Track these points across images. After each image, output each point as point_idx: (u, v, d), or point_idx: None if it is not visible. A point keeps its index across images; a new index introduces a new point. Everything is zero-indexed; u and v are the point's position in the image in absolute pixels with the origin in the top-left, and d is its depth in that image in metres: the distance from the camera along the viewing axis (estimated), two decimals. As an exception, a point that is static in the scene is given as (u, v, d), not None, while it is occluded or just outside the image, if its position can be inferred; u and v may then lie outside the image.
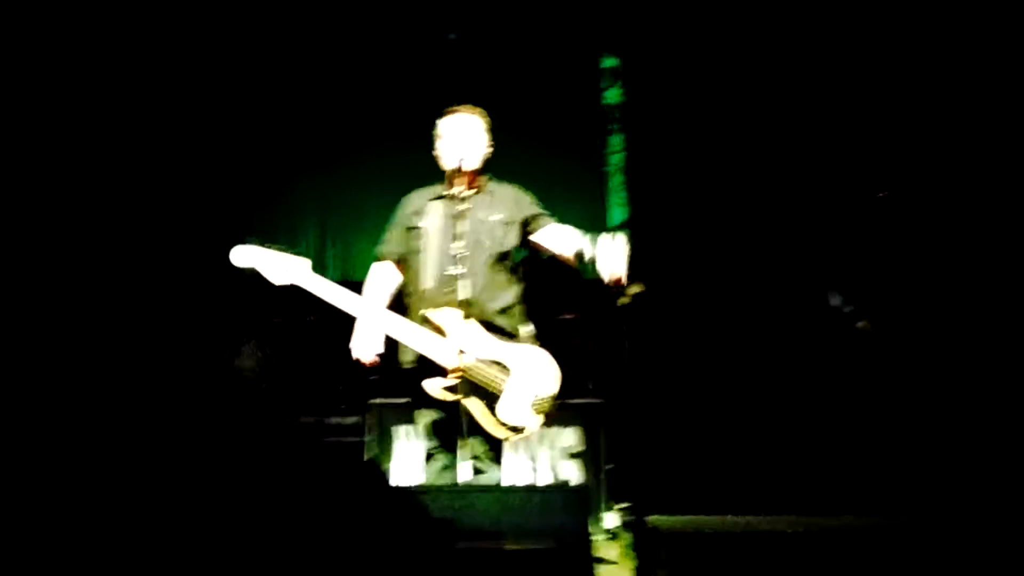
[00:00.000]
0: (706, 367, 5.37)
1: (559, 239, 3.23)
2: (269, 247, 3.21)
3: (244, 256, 3.16)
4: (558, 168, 6.04)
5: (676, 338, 5.45)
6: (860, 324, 5.12)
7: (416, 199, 3.43)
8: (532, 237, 3.32)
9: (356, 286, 3.46)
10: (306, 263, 3.18)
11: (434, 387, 3.07)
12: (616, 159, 6.23)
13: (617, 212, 6.18)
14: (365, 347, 3.19)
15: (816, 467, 4.65)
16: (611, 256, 2.95)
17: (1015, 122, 5.14)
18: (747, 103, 5.89)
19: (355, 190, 6.22)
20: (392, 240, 3.42)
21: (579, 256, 3.12)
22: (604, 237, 3.00)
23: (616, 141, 6.24)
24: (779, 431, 4.93)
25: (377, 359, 3.20)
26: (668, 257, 5.94)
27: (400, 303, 3.41)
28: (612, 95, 6.27)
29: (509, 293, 3.25)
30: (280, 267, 3.14)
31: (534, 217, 3.33)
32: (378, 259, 3.45)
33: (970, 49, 5.31)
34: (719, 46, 5.97)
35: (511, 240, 3.27)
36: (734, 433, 4.98)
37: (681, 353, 5.42)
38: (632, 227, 6.10)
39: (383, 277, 3.40)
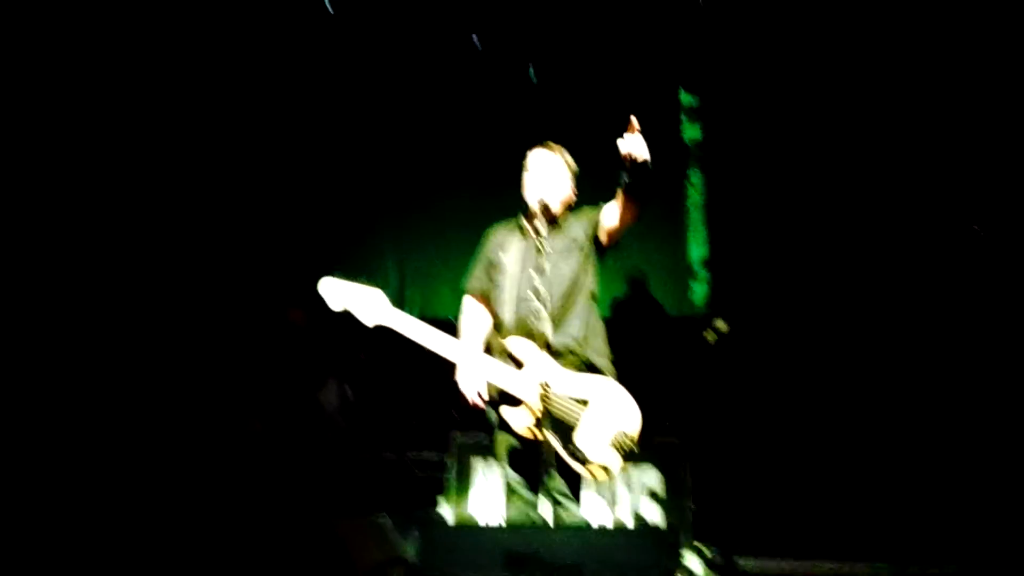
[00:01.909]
0: (789, 406, 5.25)
1: (610, 207, 3.20)
2: (353, 280, 3.27)
3: (332, 289, 3.22)
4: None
5: (759, 376, 5.35)
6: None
7: (500, 233, 3.46)
8: (602, 233, 3.28)
9: (436, 323, 3.50)
10: (381, 295, 3.22)
11: (515, 418, 3.06)
12: (695, 196, 6.20)
13: (696, 250, 6.14)
14: (472, 387, 3.19)
15: (907, 512, 4.49)
16: (631, 142, 2.94)
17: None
18: (825, 137, 5.81)
19: (433, 229, 6.32)
20: (478, 274, 3.45)
21: (625, 187, 3.10)
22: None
23: (695, 178, 6.21)
24: (867, 473, 4.78)
25: (484, 399, 3.19)
26: (749, 294, 5.86)
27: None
28: (691, 132, 6.26)
29: (588, 327, 3.23)
30: (367, 304, 3.19)
31: (595, 219, 3.29)
32: (466, 293, 3.48)
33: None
34: (796, 83, 5.92)
35: (589, 263, 3.26)
36: (819, 474, 4.84)
37: (764, 391, 5.31)
38: (712, 265, 6.05)
39: (475, 314, 3.42)
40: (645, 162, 2.96)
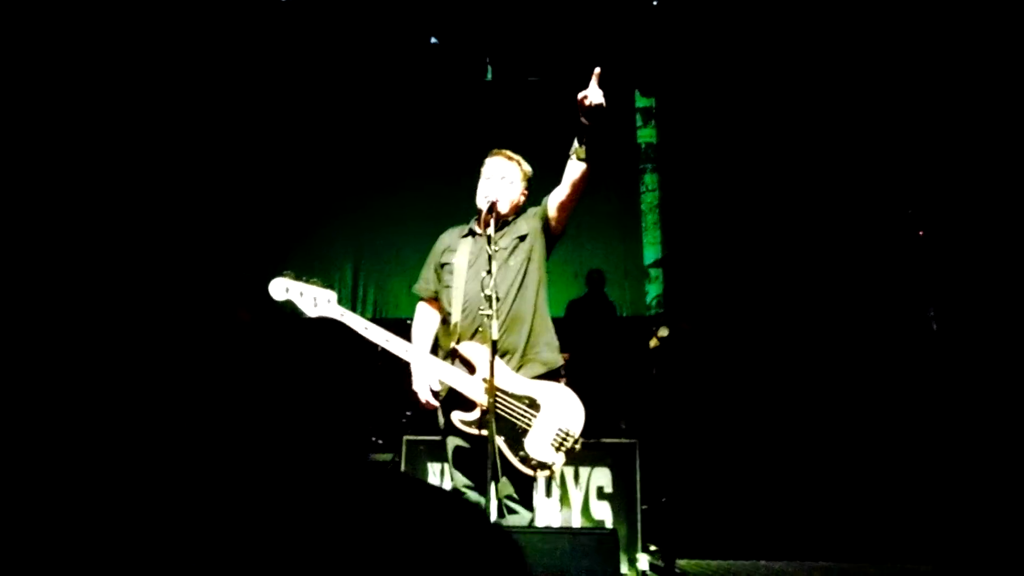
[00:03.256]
0: (740, 407, 5.32)
1: (559, 187, 3.22)
2: (303, 280, 3.27)
3: (280, 288, 3.22)
4: (593, 207, 6.07)
5: (710, 377, 5.41)
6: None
7: (448, 236, 3.47)
8: (551, 217, 3.29)
9: (389, 323, 3.49)
10: (332, 294, 3.22)
11: (461, 418, 3.08)
12: (650, 198, 6.25)
13: (651, 250, 6.19)
14: (423, 388, 3.20)
15: (852, 512, 4.57)
16: (591, 89, 2.99)
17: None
18: (779, 141, 5.90)
19: (388, 229, 6.29)
20: (427, 277, 3.46)
21: (578, 142, 3.15)
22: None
23: (650, 180, 6.27)
24: (815, 474, 4.86)
25: (436, 400, 3.20)
26: (701, 295, 5.93)
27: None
28: (646, 135, 6.31)
29: (537, 328, 3.25)
30: (312, 299, 3.19)
31: (542, 210, 3.31)
32: (417, 296, 3.49)
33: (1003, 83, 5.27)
34: (750, 85, 6.00)
35: (536, 256, 3.28)
36: (768, 475, 4.91)
37: (715, 392, 5.38)
38: (666, 265, 6.10)
39: (426, 316, 3.44)
40: (600, 107, 3.01)
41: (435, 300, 3.43)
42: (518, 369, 3.17)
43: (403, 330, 3.44)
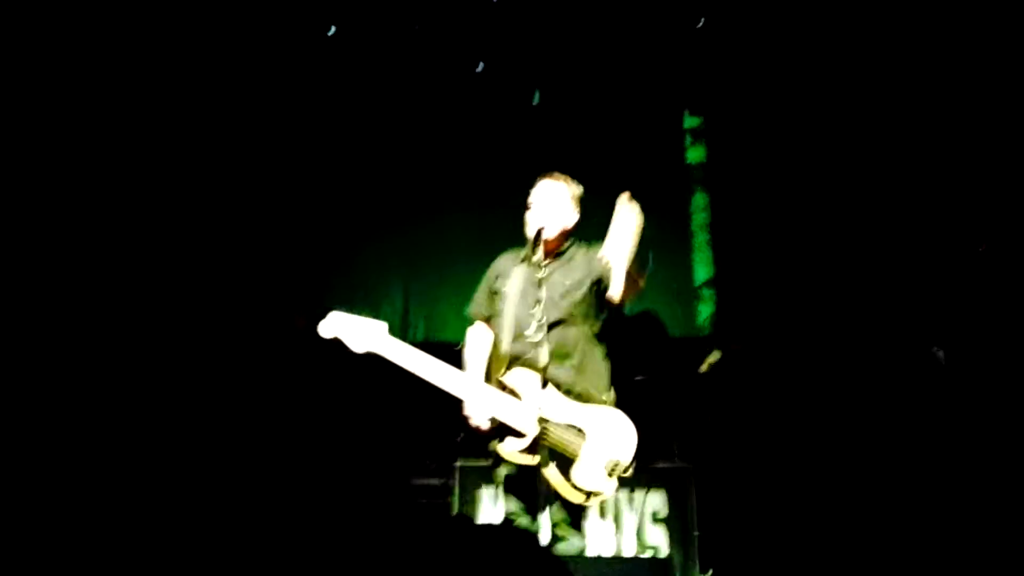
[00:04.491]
0: (797, 430, 5.20)
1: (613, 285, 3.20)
2: (351, 312, 3.29)
3: (330, 327, 3.24)
4: (643, 227, 6.03)
5: (765, 400, 5.30)
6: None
7: (503, 261, 3.48)
8: (608, 294, 3.28)
9: (439, 347, 3.49)
10: (383, 326, 3.23)
11: (510, 449, 3.07)
12: (700, 218, 6.18)
13: (701, 271, 6.11)
14: (477, 415, 3.19)
15: (913, 541, 4.43)
16: (622, 225, 2.96)
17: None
18: (831, 158, 5.80)
19: (439, 253, 6.30)
20: (480, 300, 3.48)
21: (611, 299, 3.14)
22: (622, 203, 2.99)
23: (700, 200, 6.20)
24: (872, 500, 4.72)
25: (490, 424, 3.19)
26: (755, 314, 5.83)
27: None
28: (695, 154, 6.26)
29: (587, 358, 3.23)
30: (361, 333, 3.21)
31: (604, 275, 3.28)
32: (469, 319, 3.50)
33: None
34: (801, 102, 5.92)
35: (588, 302, 3.25)
36: (826, 500, 4.79)
37: (771, 415, 5.27)
38: (717, 286, 6.02)
39: (479, 340, 3.43)
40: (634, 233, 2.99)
41: (488, 323, 3.44)
42: (567, 397, 3.15)
43: (453, 354, 3.44)
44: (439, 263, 6.29)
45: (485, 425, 3.16)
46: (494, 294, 3.36)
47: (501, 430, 3.09)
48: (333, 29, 6.19)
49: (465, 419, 3.22)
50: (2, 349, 4.88)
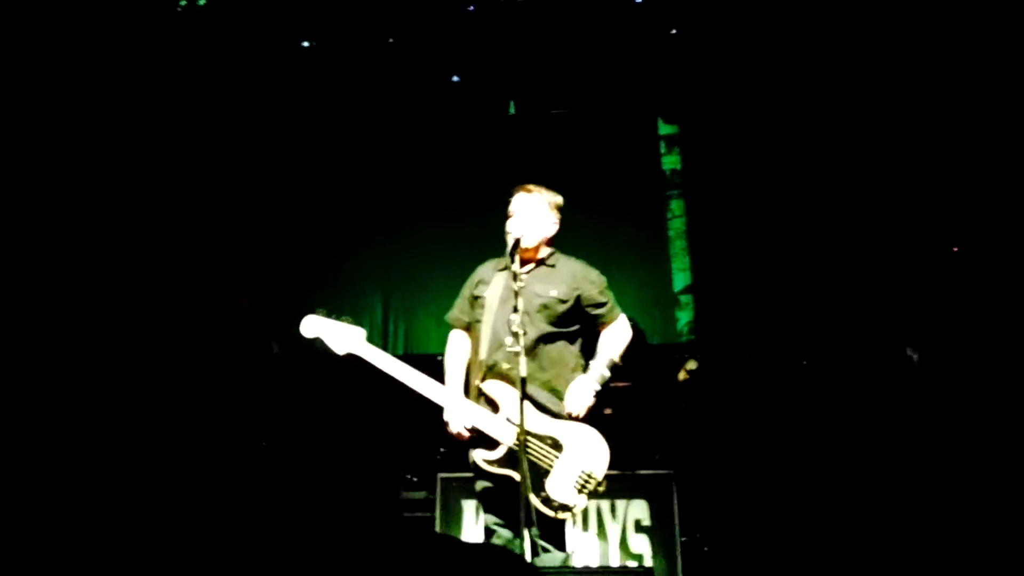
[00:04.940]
0: (776, 434, 5.22)
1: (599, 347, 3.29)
2: (333, 317, 3.29)
3: (310, 327, 3.25)
4: (619, 235, 6.06)
5: (745, 405, 5.33)
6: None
7: (484, 269, 3.47)
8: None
9: (419, 359, 3.48)
10: (361, 332, 3.23)
11: (484, 457, 3.06)
12: (677, 224, 6.22)
13: (680, 276, 6.15)
14: (454, 419, 3.18)
15: (894, 544, 4.45)
16: (577, 393, 3.10)
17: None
18: (807, 163, 5.85)
19: (417, 265, 6.31)
20: (461, 307, 3.46)
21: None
22: (579, 379, 3.16)
23: (676, 206, 6.24)
24: (854, 503, 4.74)
25: (468, 432, 3.17)
26: (734, 320, 5.86)
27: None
28: (670, 161, 6.30)
29: (564, 369, 3.22)
30: (341, 337, 3.21)
31: (591, 302, 3.30)
32: (449, 325, 3.49)
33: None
34: (772, 107, 5.97)
35: (567, 317, 3.25)
36: (808, 504, 4.81)
37: (751, 420, 5.29)
38: (696, 293, 6.05)
39: (458, 348, 3.42)
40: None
41: (467, 330, 3.43)
42: (542, 410, 3.14)
43: (433, 366, 3.43)
44: (418, 276, 6.29)
45: (464, 433, 3.15)
46: (474, 300, 3.35)
47: (478, 439, 3.09)
48: (307, 44, 6.19)
49: (444, 426, 3.21)
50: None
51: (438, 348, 5.86)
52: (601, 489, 3.05)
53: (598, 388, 3.14)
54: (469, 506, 4.33)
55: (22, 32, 5.35)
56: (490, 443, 3.09)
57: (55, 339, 5.19)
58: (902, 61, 5.68)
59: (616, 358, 3.23)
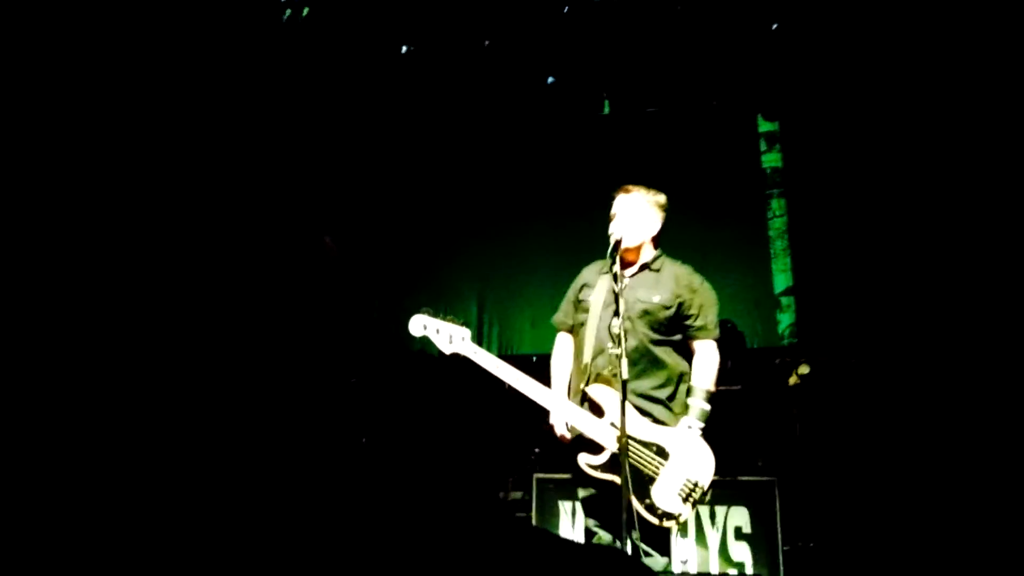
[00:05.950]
0: (884, 442, 5.01)
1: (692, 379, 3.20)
2: (439, 317, 3.33)
3: (419, 325, 3.29)
4: (718, 236, 5.94)
5: (851, 411, 5.13)
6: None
7: (589, 272, 3.46)
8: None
9: (514, 360, 3.49)
10: (466, 332, 3.26)
11: (588, 462, 3.04)
12: (778, 224, 6.05)
13: (781, 278, 5.97)
14: (559, 421, 3.18)
15: (1013, 552, 4.21)
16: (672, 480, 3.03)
17: None
18: (911, 160, 5.61)
19: (513, 266, 6.33)
20: (566, 309, 3.47)
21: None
22: (684, 435, 3.05)
23: (777, 206, 6.07)
24: (967, 517, 4.51)
25: (571, 436, 3.17)
26: (838, 323, 5.66)
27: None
28: (771, 159, 6.14)
29: (668, 374, 3.16)
30: (447, 336, 3.24)
31: (687, 312, 3.24)
32: (555, 328, 3.50)
33: None
34: (876, 102, 5.75)
35: (671, 324, 3.20)
36: (917, 514, 4.60)
37: (857, 426, 5.10)
38: (797, 295, 5.87)
39: (563, 350, 3.42)
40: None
41: (572, 333, 3.42)
42: (646, 415, 3.10)
43: (528, 367, 3.43)
44: (514, 278, 6.32)
45: (568, 436, 3.14)
46: (579, 303, 3.34)
47: (582, 443, 3.07)
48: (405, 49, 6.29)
49: (549, 428, 3.21)
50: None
51: (531, 349, 5.88)
52: (707, 499, 2.99)
53: (702, 427, 3.08)
54: (565, 507, 4.32)
55: (135, 45, 5.57)
56: (595, 448, 3.06)
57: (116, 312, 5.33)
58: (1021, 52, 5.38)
59: (712, 387, 3.17)
